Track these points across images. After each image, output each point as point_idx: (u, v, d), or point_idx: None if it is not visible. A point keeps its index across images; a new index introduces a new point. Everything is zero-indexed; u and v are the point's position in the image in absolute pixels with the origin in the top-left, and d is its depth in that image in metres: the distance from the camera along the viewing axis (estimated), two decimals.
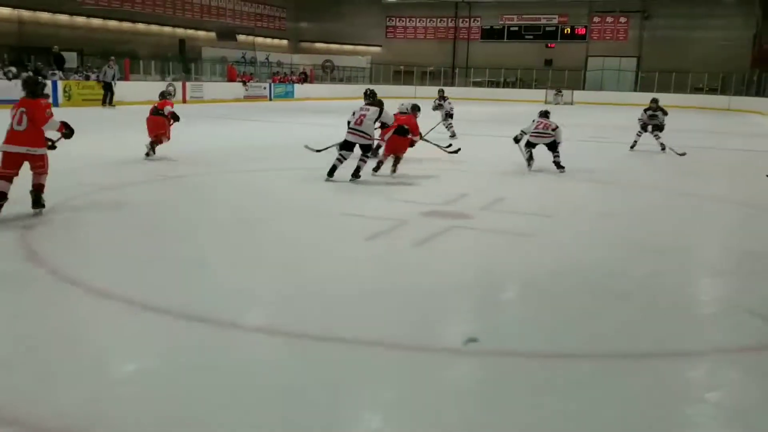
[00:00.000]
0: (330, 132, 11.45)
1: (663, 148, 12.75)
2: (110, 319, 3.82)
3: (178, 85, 25.28)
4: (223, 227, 6.11)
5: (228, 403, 2.83)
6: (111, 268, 4.71)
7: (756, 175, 9.69)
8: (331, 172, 8.37)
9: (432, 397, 2.95)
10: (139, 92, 22.48)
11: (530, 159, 10.09)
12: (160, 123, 9.87)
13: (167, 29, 32.40)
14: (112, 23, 29.46)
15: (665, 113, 13.06)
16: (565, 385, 3.15)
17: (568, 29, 41.52)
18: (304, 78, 35.76)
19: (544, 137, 9.93)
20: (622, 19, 40.40)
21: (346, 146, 8.57)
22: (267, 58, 37.47)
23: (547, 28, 41.95)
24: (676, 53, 38.23)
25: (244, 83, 29.35)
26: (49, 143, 6.14)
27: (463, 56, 43.54)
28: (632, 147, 13.19)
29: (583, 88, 38.21)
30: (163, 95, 10.29)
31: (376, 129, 8.88)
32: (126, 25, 30.08)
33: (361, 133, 8.50)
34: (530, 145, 10.06)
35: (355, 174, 8.38)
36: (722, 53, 37.51)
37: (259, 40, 39.02)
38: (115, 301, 4.01)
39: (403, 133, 8.92)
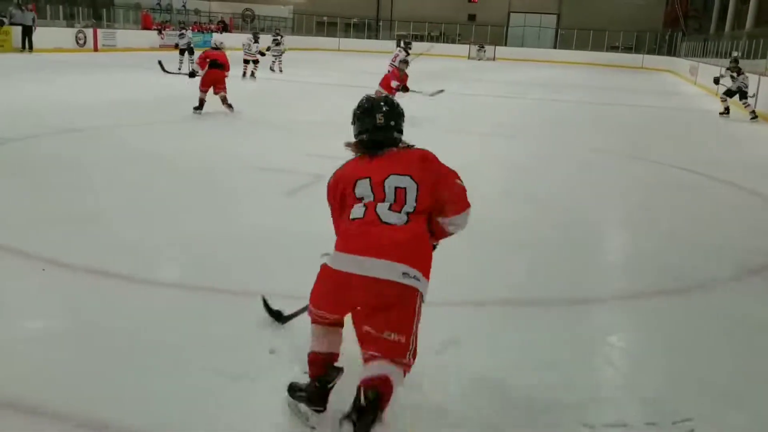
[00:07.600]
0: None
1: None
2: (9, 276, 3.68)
3: (89, 32, 23.96)
4: (137, 182, 5.92)
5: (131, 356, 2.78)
6: (7, 223, 4.50)
7: (661, 133, 10.11)
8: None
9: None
10: (46, 39, 21.29)
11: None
12: (219, 76, 9.75)
13: None
14: None
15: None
16: (485, 331, 3.24)
17: None
18: (224, 27, 34.57)
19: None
20: None
21: None
22: (184, 5, 35.97)
23: None
24: (593, 12, 39.12)
25: (160, 31, 28.05)
26: None
27: (387, 8, 43.09)
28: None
29: (506, 44, 38.63)
30: (217, 47, 10.26)
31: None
32: None
33: None
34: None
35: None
36: (637, 13, 38.64)
37: None
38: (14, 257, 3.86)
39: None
